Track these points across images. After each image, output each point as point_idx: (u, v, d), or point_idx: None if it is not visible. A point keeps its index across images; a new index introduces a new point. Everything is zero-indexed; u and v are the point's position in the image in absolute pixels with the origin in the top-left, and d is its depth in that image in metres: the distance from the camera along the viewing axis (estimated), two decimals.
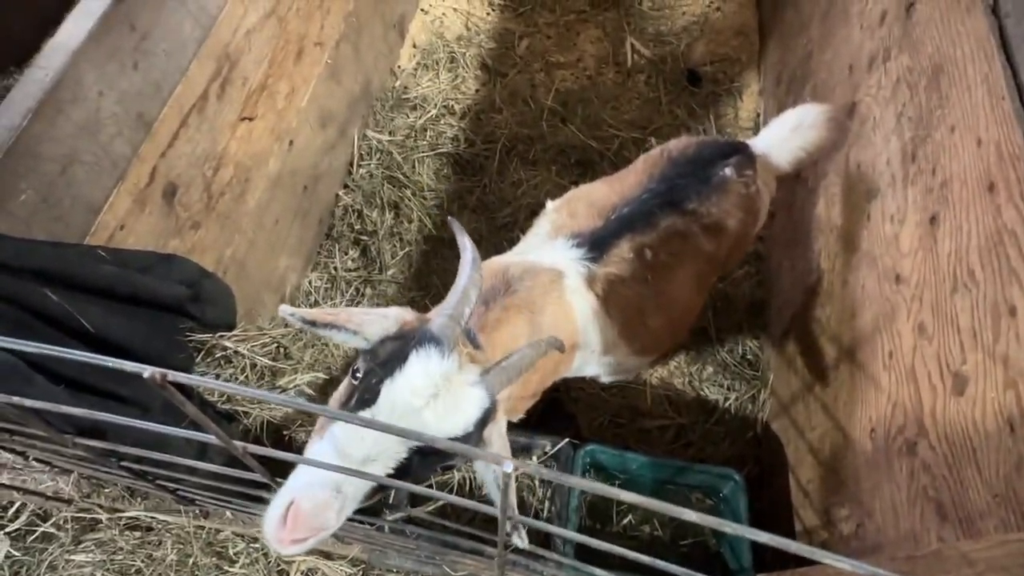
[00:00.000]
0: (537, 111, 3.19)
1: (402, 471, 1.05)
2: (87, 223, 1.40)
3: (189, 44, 1.64)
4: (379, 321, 1.16)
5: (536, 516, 1.92)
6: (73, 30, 1.32)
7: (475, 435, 1.12)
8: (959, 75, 1.46)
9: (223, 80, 1.80)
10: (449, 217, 1.38)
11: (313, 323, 1.11)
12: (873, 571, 0.62)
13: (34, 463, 1.61)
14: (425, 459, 1.07)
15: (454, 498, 0.84)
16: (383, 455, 1.02)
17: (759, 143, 2.00)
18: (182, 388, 1.04)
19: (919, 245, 1.50)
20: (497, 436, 1.19)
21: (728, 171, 1.84)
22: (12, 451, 1.43)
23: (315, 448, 1.08)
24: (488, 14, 3.61)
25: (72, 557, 1.76)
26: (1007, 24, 1.35)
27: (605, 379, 2.25)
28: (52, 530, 1.78)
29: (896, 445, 1.44)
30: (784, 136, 2.00)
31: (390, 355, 1.08)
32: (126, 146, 1.48)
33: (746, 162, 1.89)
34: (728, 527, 0.69)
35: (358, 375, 1.11)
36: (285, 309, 1.09)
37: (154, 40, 1.52)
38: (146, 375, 0.70)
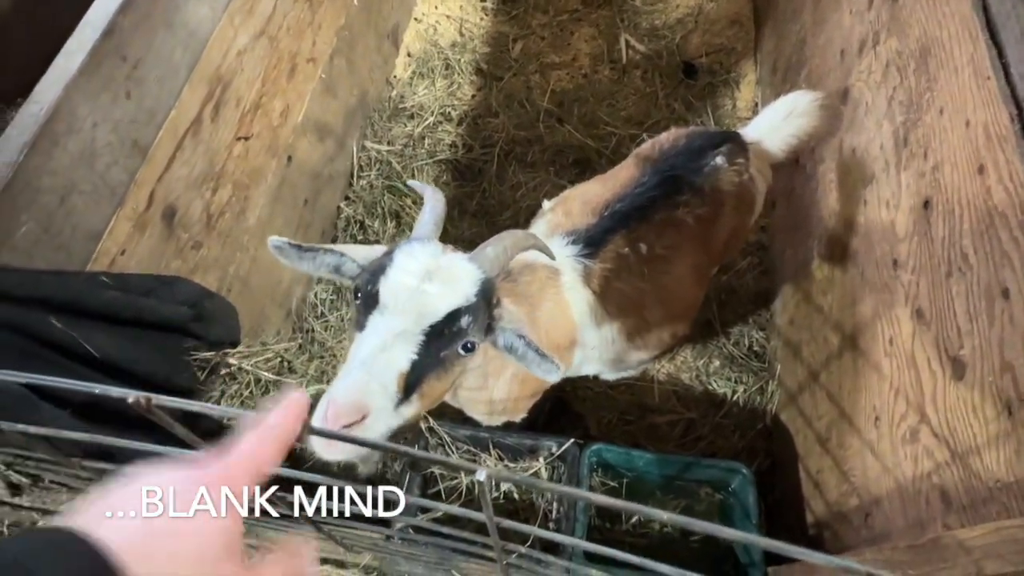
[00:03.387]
0: (534, 113, 3.20)
1: (422, 357, 1.10)
2: (88, 250, 1.43)
3: (180, 69, 1.67)
4: (367, 250, 1.28)
5: (545, 517, 1.93)
6: (65, 64, 1.35)
7: (482, 309, 1.18)
8: (946, 56, 1.44)
9: (216, 102, 1.83)
10: (409, 181, 1.51)
11: (300, 247, 1.22)
12: (849, 565, 0.63)
13: (50, 484, 1.65)
14: (440, 339, 1.12)
15: (443, 505, 0.85)
16: (402, 337, 1.08)
17: (751, 131, 1.99)
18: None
19: (914, 230, 1.49)
20: (507, 312, 1.27)
21: (719, 160, 1.84)
22: (27, 475, 1.47)
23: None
24: (481, 19, 3.62)
25: None
26: (991, 2, 1.33)
27: (610, 376, 2.25)
28: None
29: (899, 432, 1.43)
30: (777, 124, 1.99)
31: (379, 264, 1.17)
32: (123, 173, 1.52)
33: (738, 150, 1.88)
34: (711, 529, 0.69)
35: (358, 294, 1.18)
36: (275, 240, 1.19)
37: (146, 68, 1.55)
38: (130, 400, 0.72)
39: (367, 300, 1.14)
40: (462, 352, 1.16)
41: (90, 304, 1.30)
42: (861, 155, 1.84)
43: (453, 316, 1.13)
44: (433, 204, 1.33)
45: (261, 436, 0.57)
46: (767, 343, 2.49)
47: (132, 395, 0.72)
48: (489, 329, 1.22)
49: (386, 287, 1.12)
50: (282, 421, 0.58)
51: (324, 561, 1.78)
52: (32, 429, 0.88)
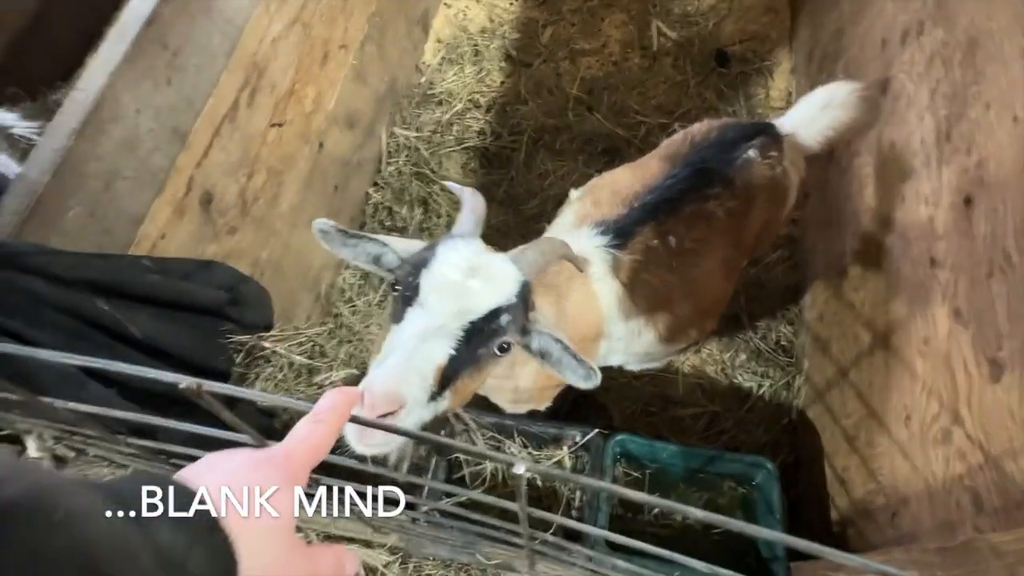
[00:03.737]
0: (562, 100, 3.18)
1: (461, 352, 1.11)
2: (130, 234, 1.48)
3: (218, 57, 1.70)
4: (407, 243, 1.29)
5: (568, 505, 1.95)
6: (110, 52, 1.39)
7: (520, 311, 1.19)
8: (995, 49, 1.40)
9: (252, 89, 1.86)
10: (446, 182, 1.49)
11: (346, 232, 1.23)
12: (884, 569, 0.63)
13: (94, 459, 1.72)
14: (479, 337, 1.13)
15: (475, 494, 0.87)
16: (441, 331, 1.09)
17: (786, 123, 1.95)
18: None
19: (954, 228, 1.45)
20: (543, 317, 1.27)
21: (752, 153, 1.81)
22: (72, 448, 1.54)
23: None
24: (511, 4, 3.59)
25: None
26: None
27: (634, 367, 2.26)
28: None
29: (931, 433, 1.41)
30: (813, 115, 1.95)
31: (421, 258, 1.18)
32: (164, 159, 1.55)
33: (771, 143, 1.85)
34: (740, 526, 0.70)
35: (398, 287, 1.19)
36: (321, 223, 1.21)
37: (185, 56, 1.58)
38: (182, 385, 0.75)
39: (407, 292, 1.14)
40: (497, 352, 1.17)
41: (133, 287, 1.35)
42: (900, 149, 1.80)
43: (494, 314, 1.13)
44: (473, 206, 1.33)
45: (316, 422, 0.62)
46: (795, 338, 2.47)
47: (184, 381, 0.75)
48: (524, 331, 1.23)
49: (428, 280, 1.12)
50: (335, 408, 0.63)
51: (351, 540, 1.83)
52: (84, 408, 0.91)
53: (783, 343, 2.49)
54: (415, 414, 1.08)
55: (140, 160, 1.47)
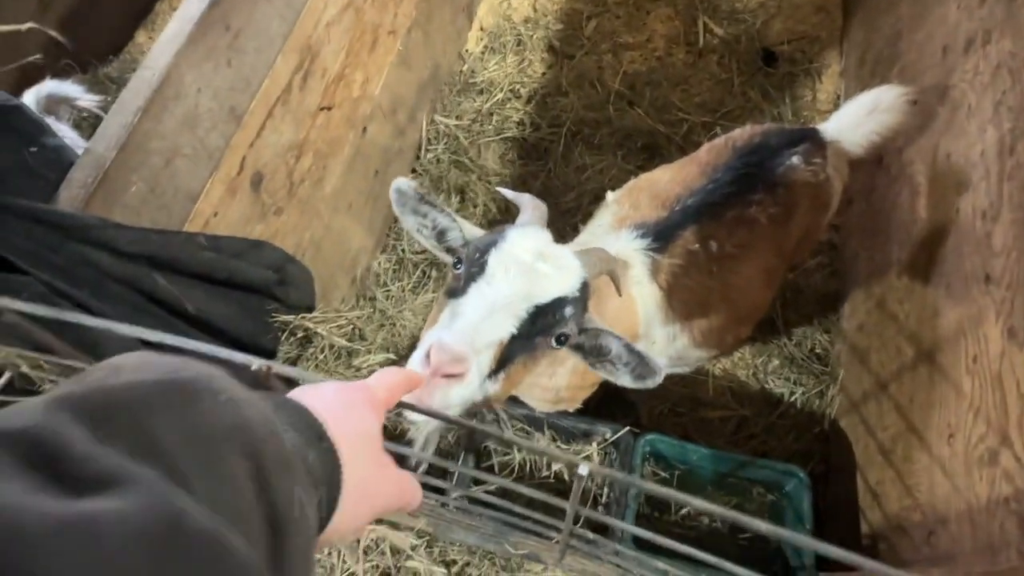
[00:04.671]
0: (604, 94, 3.15)
1: (522, 334, 1.11)
2: (186, 211, 1.51)
3: (276, 39, 1.72)
4: (471, 227, 1.31)
5: (595, 502, 1.96)
6: (175, 31, 1.41)
7: (580, 305, 1.19)
8: None
9: (305, 72, 1.88)
10: (497, 188, 1.48)
11: (422, 196, 1.25)
12: None
13: None
14: (541, 321, 1.13)
15: (518, 485, 0.88)
16: (508, 308, 1.09)
17: (830, 128, 1.92)
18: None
19: (1013, 245, 1.42)
20: (599, 317, 1.27)
21: (795, 159, 1.79)
22: None
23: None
24: None
25: None
26: None
27: (665, 370, 2.25)
28: None
29: (976, 453, 1.39)
30: (859, 120, 1.91)
31: (489, 240, 1.18)
32: (220, 138, 1.58)
33: (815, 149, 1.82)
34: (788, 536, 0.70)
35: (459, 266, 1.18)
36: (402, 182, 1.23)
37: (245, 37, 1.60)
38: (254, 367, 0.77)
39: (472, 268, 1.14)
40: (554, 343, 1.17)
41: (189, 264, 1.38)
42: (958, 161, 1.76)
43: (558, 303, 1.13)
44: (532, 210, 1.32)
45: (392, 375, 0.75)
46: (831, 347, 2.43)
47: (256, 363, 0.77)
48: (580, 329, 1.22)
49: (497, 258, 1.12)
50: (406, 373, 0.77)
51: (379, 521, 1.87)
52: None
53: (818, 351, 2.46)
54: (472, 386, 1.07)
55: (198, 138, 1.50)
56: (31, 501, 0.29)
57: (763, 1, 3.44)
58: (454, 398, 1.05)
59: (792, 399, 2.37)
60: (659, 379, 1.17)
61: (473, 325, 1.04)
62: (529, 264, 1.11)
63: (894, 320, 1.94)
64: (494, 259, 1.12)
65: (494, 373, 1.10)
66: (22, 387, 1.38)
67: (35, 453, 0.32)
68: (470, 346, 1.02)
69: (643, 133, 3.01)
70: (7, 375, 1.30)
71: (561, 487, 2.06)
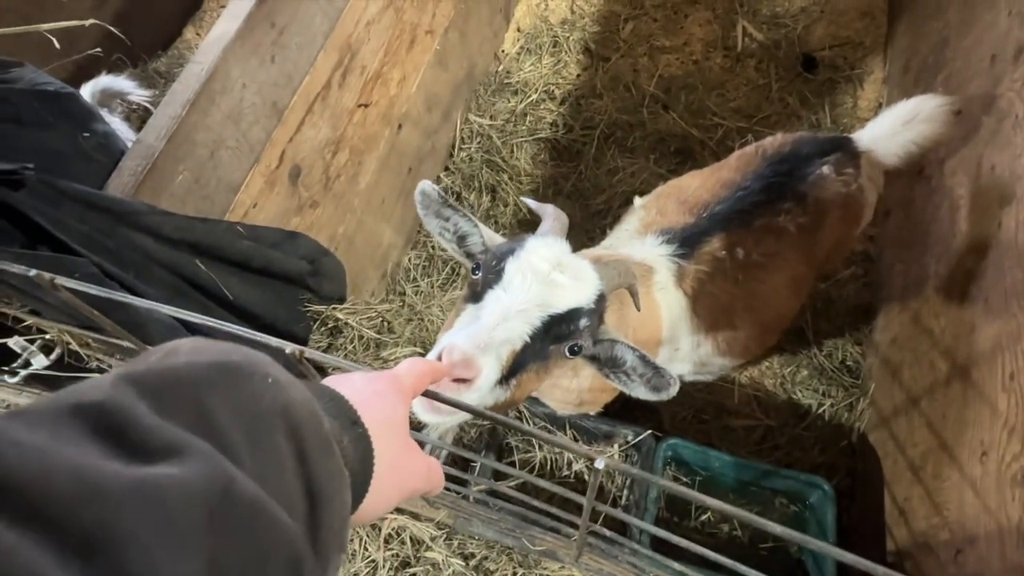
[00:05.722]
0: (638, 97, 3.14)
1: (535, 342, 1.12)
2: (228, 201, 1.57)
3: (318, 37, 1.77)
4: (491, 233, 1.31)
5: (614, 503, 1.97)
6: (224, 28, 1.47)
7: (595, 317, 1.20)
8: None
9: (344, 70, 1.93)
10: (521, 197, 1.49)
11: (446, 199, 1.29)
12: None
13: None
14: (555, 331, 1.15)
15: (538, 479, 0.90)
16: (522, 315, 1.11)
17: (866, 136, 1.88)
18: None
19: None
20: (614, 330, 1.27)
21: (827, 169, 1.76)
22: None
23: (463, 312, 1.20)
24: None
25: None
26: None
27: (689, 377, 2.24)
28: None
29: (1010, 472, 1.35)
30: (896, 129, 1.87)
31: (507, 248, 1.20)
32: (262, 132, 1.64)
33: (848, 159, 1.79)
34: (800, 538, 0.71)
35: (477, 272, 1.21)
36: (427, 185, 1.27)
37: (289, 35, 1.66)
38: (288, 351, 0.81)
39: (489, 275, 1.16)
40: (567, 354, 1.17)
41: (228, 251, 1.43)
42: (1002, 173, 1.71)
43: (574, 313, 1.14)
44: (554, 220, 1.32)
45: (418, 364, 0.76)
46: (862, 359, 2.39)
47: (289, 347, 0.80)
48: (595, 340, 1.23)
49: (515, 266, 1.14)
50: (432, 364, 0.80)
51: (401, 511, 1.90)
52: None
53: (848, 363, 2.41)
54: (482, 391, 1.08)
55: (242, 132, 1.56)
56: (107, 466, 0.33)
57: (805, 6, 3.38)
58: (451, 421, 1.11)
59: (820, 411, 2.33)
60: (673, 391, 1.17)
61: (486, 330, 1.06)
62: (546, 273, 1.13)
63: (928, 334, 1.89)
64: (511, 266, 1.14)
65: (505, 379, 1.10)
66: (70, 362, 1.45)
67: (106, 424, 0.36)
68: (481, 351, 1.04)
69: (676, 137, 3.00)
70: (57, 351, 1.38)
71: (581, 487, 2.07)
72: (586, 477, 2.06)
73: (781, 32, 3.28)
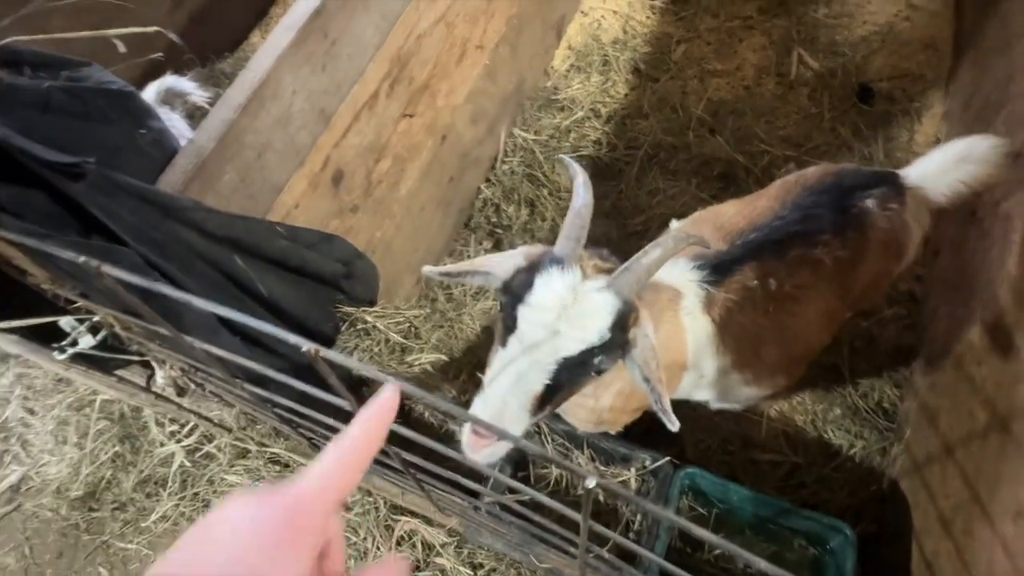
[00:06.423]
0: (685, 119, 3.13)
1: (556, 382, 1.18)
2: (270, 202, 1.64)
3: (369, 48, 1.84)
4: (508, 260, 1.32)
5: (627, 527, 1.95)
6: (280, 37, 1.55)
7: (616, 339, 1.21)
8: None
9: (393, 80, 2.00)
10: (558, 156, 1.52)
11: (448, 274, 1.31)
12: None
13: (208, 394, 1.93)
14: (573, 369, 1.19)
15: (540, 496, 0.91)
16: (536, 366, 1.16)
17: (913, 173, 1.82)
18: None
19: None
20: (642, 338, 1.27)
21: (870, 203, 1.71)
22: (195, 383, 1.74)
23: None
24: (648, 17, 3.57)
25: (226, 477, 2.09)
26: None
27: (714, 405, 2.20)
28: (213, 451, 2.13)
29: None
30: (946, 168, 1.80)
31: (520, 284, 1.22)
32: (308, 137, 1.71)
33: (893, 195, 1.74)
34: None
35: (502, 312, 1.25)
36: (429, 269, 1.30)
37: (341, 45, 1.73)
38: (304, 348, 0.84)
39: (507, 321, 1.21)
40: (594, 374, 1.23)
41: (267, 249, 1.50)
42: None
43: (587, 353, 1.18)
44: (583, 194, 1.32)
45: (341, 455, 0.50)
46: (900, 402, 2.30)
47: (306, 345, 0.84)
48: (624, 351, 1.25)
49: (524, 316, 1.18)
50: (367, 431, 0.52)
51: (414, 515, 1.93)
52: (216, 351, 1.04)
53: (885, 405, 2.32)
54: (508, 446, 1.22)
55: (289, 136, 1.63)
56: None
57: (866, 35, 3.30)
58: (495, 456, 1.20)
59: (851, 452, 2.25)
60: (672, 428, 1.21)
61: (504, 396, 1.15)
62: (550, 324, 1.16)
63: (970, 382, 1.81)
64: (521, 315, 1.19)
65: (538, 411, 1.19)
66: (113, 344, 1.54)
67: None
68: (501, 418, 1.13)
69: (721, 162, 2.96)
70: (103, 332, 1.47)
71: (596, 508, 2.06)
72: (601, 498, 2.04)
73: (838, 61, 3.21)
